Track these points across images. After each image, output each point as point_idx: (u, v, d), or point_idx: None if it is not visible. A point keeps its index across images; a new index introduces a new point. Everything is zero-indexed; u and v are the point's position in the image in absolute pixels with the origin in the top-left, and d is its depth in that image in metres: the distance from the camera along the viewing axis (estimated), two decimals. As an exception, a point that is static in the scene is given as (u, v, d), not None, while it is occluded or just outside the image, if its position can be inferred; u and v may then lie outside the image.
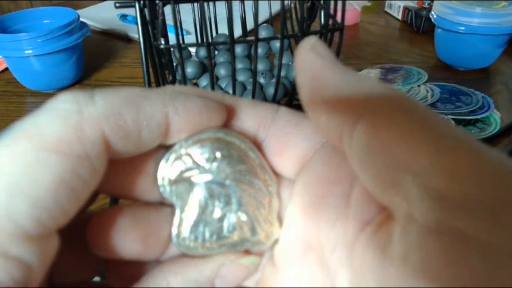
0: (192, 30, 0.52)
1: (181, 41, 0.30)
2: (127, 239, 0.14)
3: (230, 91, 0.39)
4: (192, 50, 0.50)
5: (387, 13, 0.79)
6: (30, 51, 0.48)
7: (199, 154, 0.15)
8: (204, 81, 0.42)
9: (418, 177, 0.10)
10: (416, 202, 0.10)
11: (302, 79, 0.14)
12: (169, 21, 0.40)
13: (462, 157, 0.10)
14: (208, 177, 0.15)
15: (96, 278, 0.17)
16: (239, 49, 0.46)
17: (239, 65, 0.44)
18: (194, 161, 0.15)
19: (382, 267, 0.11)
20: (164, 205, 0.16)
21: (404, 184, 0.11)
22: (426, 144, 0.11)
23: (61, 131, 0.11)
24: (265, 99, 0.40)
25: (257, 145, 0.16)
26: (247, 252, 0.16)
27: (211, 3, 0.51)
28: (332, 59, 0.14)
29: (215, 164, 0.15)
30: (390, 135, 0.11)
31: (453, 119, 0.44)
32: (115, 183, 0.14)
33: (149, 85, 0.32)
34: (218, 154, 0.15)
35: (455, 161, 0.10)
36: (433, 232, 0.10)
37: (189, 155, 0.15)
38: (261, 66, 0.44)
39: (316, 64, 0.14)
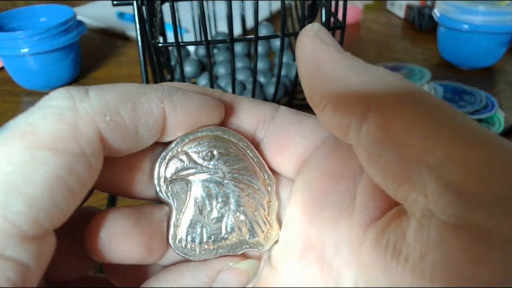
0: (191, 28, 0.52)
1: (179, 40, 0.29)
2: (130, 244, 0.14)
3: (230, 90, 0.38)
4: (191, 48, 0.50)
5: (389, 11, 0.79)
6: (26, 50, 0.48)
7: (196, 152, 0.14)
8: (203, 80, 0.41)
9: (433, 170, 0.10)
10: (434, 196, 0.10)
11: (305, 68, 0.13)
12: (168, 19, 0.39)
13: (480, 150, 0.10)
14: (205, 176, 0.15)
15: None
16: (238, 48, 0.45)
17: (238, 64, 0.44)
18: (191, 159, 0.14)
19: (395, 265, 0.10)
20: (164, 204, 0.15)
21: (419, 178, 0.10)
22: (439, 136, 0.10)
23: (55, 128, 0.11)
24: (265, 98, 0.39)
25: (256, 144, 0.15)
26: (245, 256, 0.16)
27: (210, 1, 0.50)
28: (337, 47, 0.13)
29: (212, 163, 0.15)
30: (401, 127, 0.11)
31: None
32: (110, 181, 0.14)
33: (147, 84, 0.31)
34: (215, 152, 0.15)
35: (473, 154, 0.10)
36: (452, 227, 0.09)
37: (186, 153, 0.14)
38: (261, 65, 0.44)
39: (320, 52, 0.13)
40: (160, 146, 0.15)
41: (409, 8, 0.72)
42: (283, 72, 0.42)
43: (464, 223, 0.09)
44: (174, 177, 0.14)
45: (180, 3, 0.48)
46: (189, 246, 0.15)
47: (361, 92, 0.12)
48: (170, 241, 0.15)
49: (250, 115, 0.15)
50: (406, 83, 0.12)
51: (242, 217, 0.15)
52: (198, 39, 0.50)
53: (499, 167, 0.10)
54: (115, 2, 0.31)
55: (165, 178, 0.14)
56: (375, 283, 0.11)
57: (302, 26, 0.34)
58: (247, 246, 0.15)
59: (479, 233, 0.09)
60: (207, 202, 0.15)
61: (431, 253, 0.10)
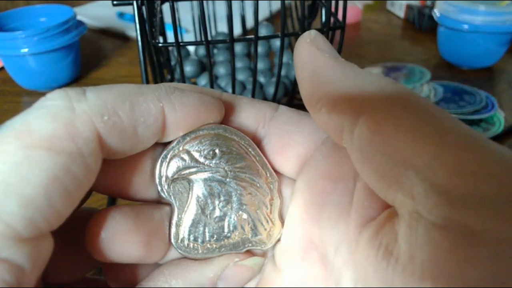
0: (191, 28, 0.52)
1: (179, 40, 0.29)
2: (130, 243, 0.14)
3: (230, 90, 0.38)
4: (191, 48, 0.50)
5: (389, 11, 0.79)
6: (26, 50, 0.47)
7: (197, 150, 0.14)
8: (203, 80, 0.41)
9: (420, 172, 0.10)
10: (421, 198, 0.10)
11: (302, 74, 0.14)
12: (168, 19, 0.39)
13: (467, 152, 0.10)
14: (207, 174, 0.15)
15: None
16: (238, 48, 0.45)
17: (238, 64, 0.44)
18: (192, 158, 0.14)
19: (387, 266, 0.11)
20: (164, 204, 0.15)
21: (407, 180, 0.10)
22: (427, 139, 0.10)
23: (51, 128, 0.11)
24: (265, 98, 0.39)
25: (256, 144, 0.15)
26: (250, 253, 0.16)
27: (210, 1, 0.50)
28: (333, 53, 0.14)
29: (214, 161, 0.15)
30: (391, 131, 0.11)
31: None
32: (110, 182, 0.14)
33: (147, 84, 0.31)
34: (217, 151, 0.15)
35: (459, 156, 0.10)
36: (440, 228, 0.10)
37: (187, 152, 0.14)
38: (261, 65, 0.43)
39: (316, 58, 0.13)
40: (160, 146, 0.14)
41: (409, 8, 0.72)
42: (283, 72, 0.42)
43: (451, 223, 0.09)
44: (175, 176, 0.14)
45: (180, 3, 0.48)
46: (191, 246, 0.15)
47: (354, 96, 0.12)
48: (172, 240, 0.15)
49: (250, 115, 0.15)
50: (398, 87, 0.12)
51: (245, 216, 0.15)
52: (198, 39, 0.50)
53: (485, 168, 0.10)
54: (115, 2, 0.31)
55: (167, 177, 0.14)
56: (370, 283, 0.11)
57: (302, 26, 0.34)
58: (250, 245, 0.15)
59: (466, 234, 0.09)
60: (209, 201, 0.15)
61: (420, 253, 0.10)
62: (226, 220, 0.15)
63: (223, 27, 0.54)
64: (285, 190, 0.16)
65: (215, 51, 0.47)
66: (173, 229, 0.15)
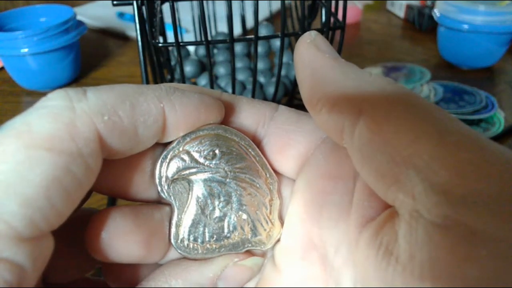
0: (191, 28, 0.52)
1: (179, 40, 0.29)
2: (130, 243, 0.14)
3: (230, 90, 0.38)
4: (191, 48, 0.50)
5: (389, 11, 0.79)
6: (26, 50, 0.48)
7: (197, 151, 0.14)
8: (203, 80, 0.41)
9: (421, 172, 0.10)
10: (421, 197, 0.10)
11: (302, 74, 0.14)
12: (168, 19, 0.39)
13: (467, 152, 0.10)
14: (207, 175, 0.15)
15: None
16: (238, 48, 0.45)
17: (238, 64, 0.44)
18: (192, 159, 0.14)
19: (387, 266, 0.11)
20: (164, 204, 0.15)
21: (407, 180, 0.10)
22: (428, 138, 0.10)
23: (52, 128, 0.11)
24: (265, 98, 0.39)
25: (256, 144, 0.15)
26: (250, 253, 0.16)
27: (210, 1, 0.50)
28: (333, 53, 0.14)
29: (214, 162, 0.15)
30: (391, 131, 0.11)
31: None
32: (110, 182, 0.14)
33: (147, 84, 0.31)
34: (217, 151, 0.15)
35: (459, 156, 0.10)
36: (440, 227, 0.10)
37: (187, 152, 0.14)
38: (261, 65, 0.43)
39: (316, 59, 0.13)
40: (161, 146, 0.14)
41: (409, 8, 0.72)
42: (283, 72, 0.42)
43: (451, 223, 0.10)
44: (175, 176, 0.14)
45: (180, 3, 0.48)
46: (191, 246, 0.15)
47: (354, 96, 0.12)
48: (172, 240, 0.15)
49: (250, 115, 0.15)
50: (397, 87, 0.12)
51: (244, 216, 0.15)
52: (198, 39, 0.50)
53: (485, 167, 0.10)
54: (115, 2, 0.31)
55: (167, 177, 0.14)
56: (370, 283, 0.11)
57: (302, 26, 0.34)
58: (250, 245, 0.15)
59: (466, 233, 0.09)
60: (209, 201, 0.15)
61: (420, 253, 0.10)
62: (226, 220, 0.15)
63: (223, 27, 0.55)
64: (285, 190, 0.16)
65: (215, 51, 0.47)
66: (173, 229, 0.15)
